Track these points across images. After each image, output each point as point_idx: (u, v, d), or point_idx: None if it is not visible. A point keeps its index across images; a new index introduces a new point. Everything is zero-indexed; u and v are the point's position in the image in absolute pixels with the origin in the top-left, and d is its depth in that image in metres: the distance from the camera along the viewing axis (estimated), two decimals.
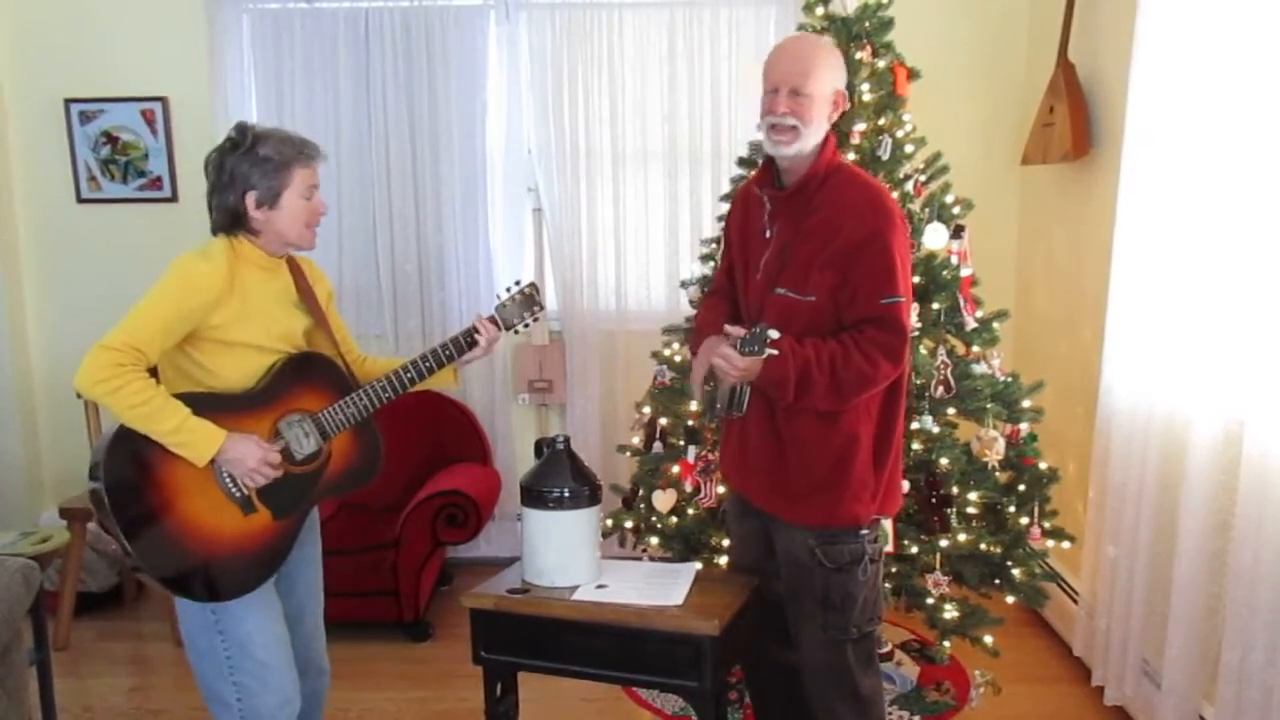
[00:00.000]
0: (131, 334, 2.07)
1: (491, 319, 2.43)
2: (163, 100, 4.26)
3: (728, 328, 2.21)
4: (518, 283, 2.50)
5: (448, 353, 2.37)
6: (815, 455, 2.28)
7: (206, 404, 2.15)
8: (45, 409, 4.47)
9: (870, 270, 2.19)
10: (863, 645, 2.40)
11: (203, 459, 2.11)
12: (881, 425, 2.31)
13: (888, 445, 2.32)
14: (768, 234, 2.34)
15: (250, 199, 2.19)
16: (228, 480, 2.17)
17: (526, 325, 2.50)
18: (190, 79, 4.22)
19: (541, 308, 2.51)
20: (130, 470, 2.11)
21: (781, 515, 2.36)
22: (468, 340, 2.38)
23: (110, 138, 4.30)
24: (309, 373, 2.29)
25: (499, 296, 2.48)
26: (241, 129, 2.22)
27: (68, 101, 4.26)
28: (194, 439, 2.09)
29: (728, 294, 2.52)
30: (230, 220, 2.22)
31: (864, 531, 2.32)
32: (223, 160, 2.20)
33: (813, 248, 2.23)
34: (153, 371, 2.23)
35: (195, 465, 2.12)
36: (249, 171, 2.18)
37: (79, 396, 2.52)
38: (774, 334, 2.10)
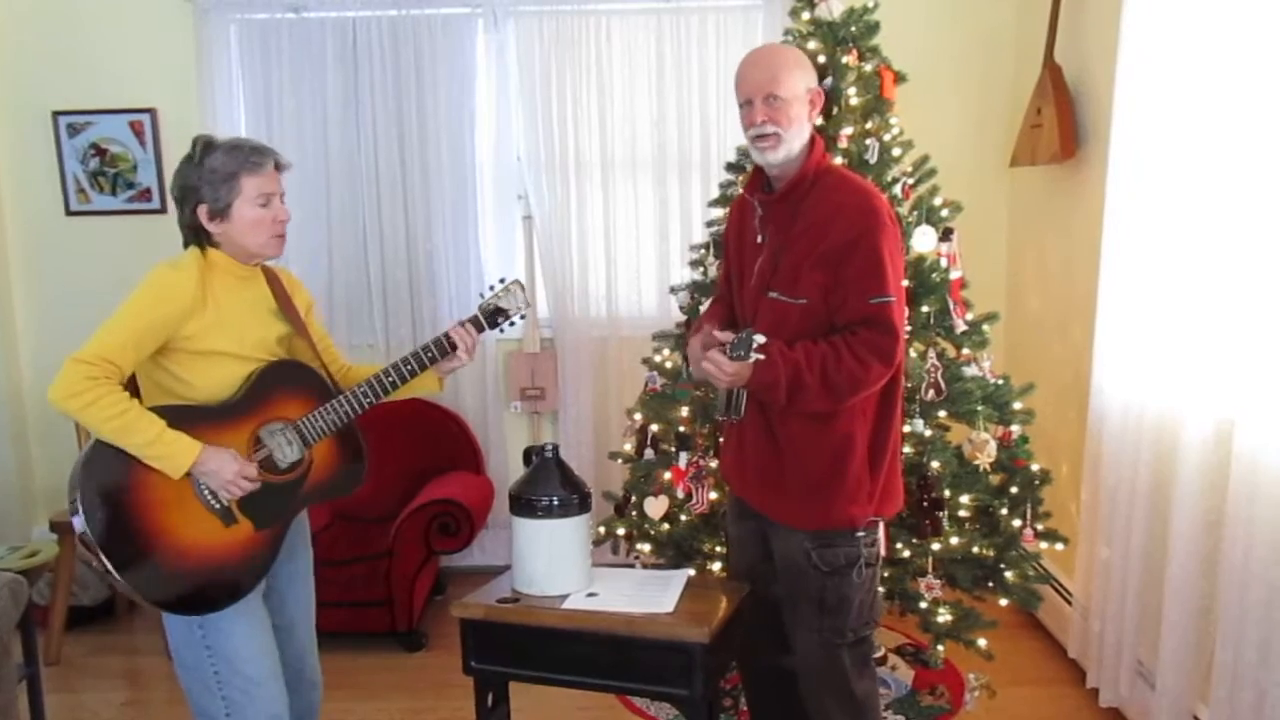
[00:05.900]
0: (103, 346, 2.06)
1: (474, 320, 2.39)
2: (151, 112, 4.26)
3: (716, 333, 2.22)
4: (502, 280, 2.45)
5: (429, 355, 2.34)
6: (810, 457, 2.28)
7: (185, 416, 2.14)
8: (35, 423, 4.46)
9: (859, 271, 2.19)
10: (858, 649, 2.40)
11: (179, 471, 2.09)
12: (877, 426, 2.31)
13: (884, 446, 2.32)
14: (759, 239, 2.35)
15: (203, 211, 2.18)
16: (206, 493, 2.16)
17: (512, 324, 2.45)
18: (178, 90, 4.22)
19: (527, 304, 2.47)
20: (106, 490, 2.09)
21: (777, 518, 2.36)
22: (450, 343, 2.35)
23: (99, 150, 4.29)
24: (288, 380, 2.27)
25: (482, 295, 2.45)
26: (194, 141, 2.21)
27: (56, 114, 4.26)
28: (170, 451, 2.08)
29: (727, 299, 2.54)
30: (193, 233, 2.22)
31: (860, 533, 2.32)
32: (179, 175, 2.21)
33: (802, 250, 2.24)
34: (133, 385, 2.22)
35: (172, 478, 2.10)
36: (198, 184, 2.17)
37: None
38: (760, 339, 2.11)
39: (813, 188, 2.27)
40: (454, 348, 2.34)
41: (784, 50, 2.37)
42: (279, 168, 2.24)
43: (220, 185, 2.16)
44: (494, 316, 2.42)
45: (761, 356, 2.13)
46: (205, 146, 2.19)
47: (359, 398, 2.29)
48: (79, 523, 2.06)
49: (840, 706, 2.39)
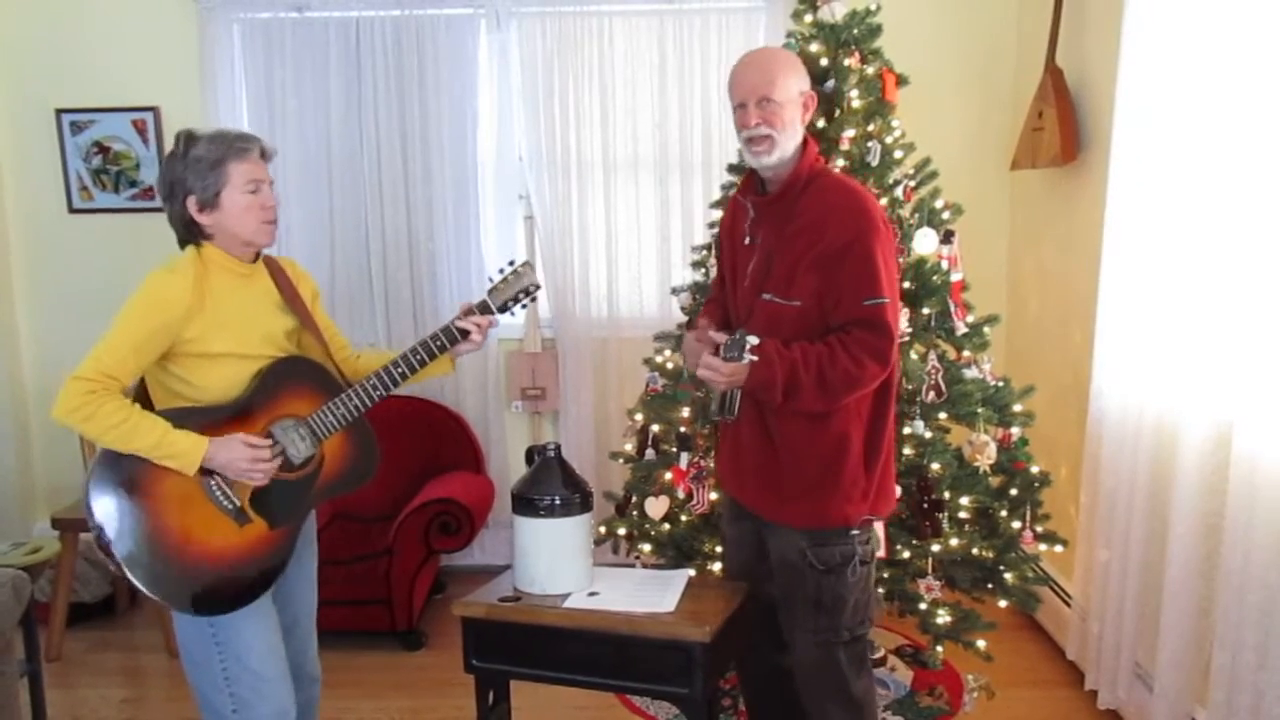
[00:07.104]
0: (101, 362, 2.05)
1: (483, 304, 2.35)
2: (154, 110, 4.27)
3: (711, 334, 2.24)
4: (511, 263, 2.40)
5: (439, 343, 2.31)
6: (806, 456, 2.30)
7: (193, 417, 2.13)
8: (37, 420, 4.46)
9: (853, 274, 2.22)
10: (854, 648, 2.41)
11: (192, 467, 2.09)
12: (872, 426, 2.33)
13: (878, 445, 2.34)
14: (748, 240, 2.38)
15: (192, 203, 2.16)
16: (218, 493, 2.15)
17: (524, 306, 2.42)
18: (181, 89, 4.23)
19: (538, 287, 2.40)
20: (118, 497, 2.09)
21: (773, 517, 2.37)
22: (460, 331, 2.31)
23: (102, 148, 4.30)
24: (296, 376, 2.26)
25: (491, 279, 2.39)
26: (177, 136, 2.19)
27: (59, 111, 4.27)
28: (178, 450, 2.08)
29: (721, 301, 2.56)
30: (186, 230, 2.20)
31: (855, 532, 2.33)
32: (165, 171, 2.18)
33: (796, 253, 2.26)
34: (143, 394, 2.21)
35: (184, 480, 2.10)
36: (185, 175, 2.15)
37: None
38: (753, 340, 2.14)
39: (805, 190, 2.29)
40: (465, 335, 2.32)
41: (777, 53, 2.40)
42: (264, 155, 2.22)
43: (207, 174, 2.14)
44: (505, 303, 2.37)
45: (754, 358, 2.15)
46: (188, 139, 2.17)
47: (369, 391, 2.26)
48: (94, 529, 2.07)
49: (839, 706, 2.41)
